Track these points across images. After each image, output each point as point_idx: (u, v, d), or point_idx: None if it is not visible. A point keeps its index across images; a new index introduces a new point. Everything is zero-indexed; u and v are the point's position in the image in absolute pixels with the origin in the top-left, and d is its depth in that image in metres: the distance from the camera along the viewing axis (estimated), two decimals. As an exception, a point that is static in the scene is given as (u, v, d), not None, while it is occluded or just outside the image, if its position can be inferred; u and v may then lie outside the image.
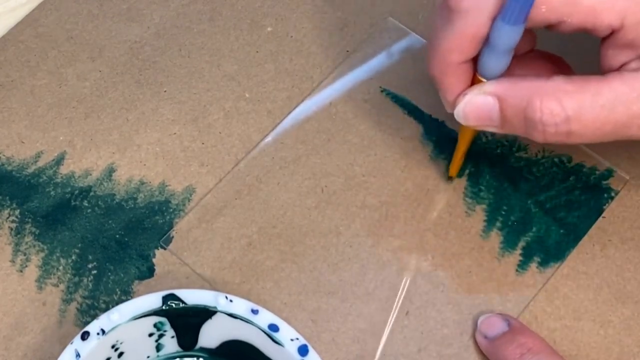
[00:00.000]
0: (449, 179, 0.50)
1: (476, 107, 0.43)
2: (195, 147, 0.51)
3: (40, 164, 0.50)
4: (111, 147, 0.51)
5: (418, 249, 0.48)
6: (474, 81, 0.43)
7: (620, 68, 0.41)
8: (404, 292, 0.47)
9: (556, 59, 0.45)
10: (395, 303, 0.47)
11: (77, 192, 0.50)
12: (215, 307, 0.42)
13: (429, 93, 0.52)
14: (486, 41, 0.41)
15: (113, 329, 0.41)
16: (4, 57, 0.53)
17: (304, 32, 0.54)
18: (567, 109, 0.40)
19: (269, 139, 0.51)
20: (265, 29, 0.54)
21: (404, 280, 0.47)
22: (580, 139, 0.41)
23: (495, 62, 0.42)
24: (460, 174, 0.50)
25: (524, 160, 0.50)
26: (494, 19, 0.40)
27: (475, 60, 0.43)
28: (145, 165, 0.50)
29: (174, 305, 0.42)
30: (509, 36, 0.41)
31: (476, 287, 0.47)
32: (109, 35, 0.54)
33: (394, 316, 0.46)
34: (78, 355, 0.40)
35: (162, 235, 0.48)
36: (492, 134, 0.51)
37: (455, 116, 0.44)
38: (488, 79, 0.43)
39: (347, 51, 0.54)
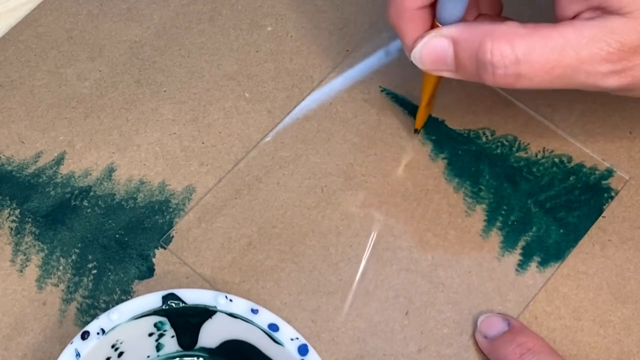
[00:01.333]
0: (415, 131, 0.50)
1: (431, 49, 0.44)
2: (195, 147, 0.51)
3: (40, 164, 0.50)
4: (111, 147, 0.51)
5: (418, 249, 0.48)
6: (433, 27, 0.44)
7: (573, 18, 0.42)
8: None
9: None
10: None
11: (77, 192, 0.50)
12: (215, 307, 0.42)
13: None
14: None
15: (113, 328, 0.41)
16: (4, 57, 0.53)
17: (304, 32, 0.54)
18: (517, 51, 0.41)
19: (268, 138, 0.51)
20: (265, 28, 0.54)
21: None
22: (530, 83, 0.42)
23: (452, 7, 0.43)
24: (425, 129, 0.51)
25: (524, 160, 0.50)
26: None
27: (433, 7, 0.44)
28: (145, 165, 0.50)
29: (174, 304, 0.42)
30: None
31: (476, 287, 0.47)
32: (109, 35, 0.54)
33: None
34: (78, 354, 0.40)
35: (162, 235, 0.48)
36: (492, 134, 0.51)
37: (412, 59, 0.45)
38: (445, 24, 0.44)
39: (347, 51, 0.54)
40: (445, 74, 0.44)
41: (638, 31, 0.40)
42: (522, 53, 0.41)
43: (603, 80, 0.41)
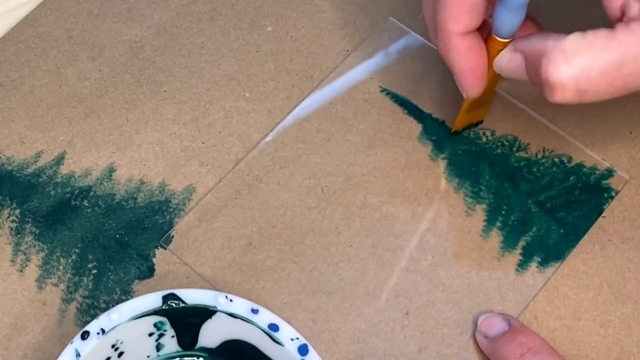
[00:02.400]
0: (453, 133, 0.50)
1: (508, 61, 0.43)
2: (195, 147, 0.51)
3: (40, 163, 0.50)
4: (111, 147, 0.51)
5: (418, 249, 0.48)
6: (490, 43, 0.44)
7: (623, 16, 0.40)
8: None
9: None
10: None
11: (77, 191, 0.50)
12: (215, 307, 0.42)
13: (428, 93, 0.52)
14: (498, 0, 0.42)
15: (113, 328, 0.41)
16: (4, 57, 0.53)
17: (304, 32, 0.54)
18: (574, 68, 0.40)
19: (269, 138, 0.51)
20: (265, 28, 0.54)
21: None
22: (594, 97, 0.41)
23: (509, 18, 0.42)
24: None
25: (524, 160, 0.50)
26: None
27: (481, 30, 0.44)
28: (145, 165, 0.50)
29: (174, 304, 0.42)
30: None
31: (476, 287, 0.47)
32: (109, 35, 0.54)
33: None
34: (78, 354, 0.40)
35: (162, 234, 0.48)
36: (492, 134, 0.51)
37: (494, 67, 0.44)
38: (503, 38, 0.43)
39: (347, 51, 0.54)
40: (527, 82, 0.44)
41: None
42: (579, 70, 0.40)
43: None
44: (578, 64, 0.40)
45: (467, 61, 0.44)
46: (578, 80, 0.40)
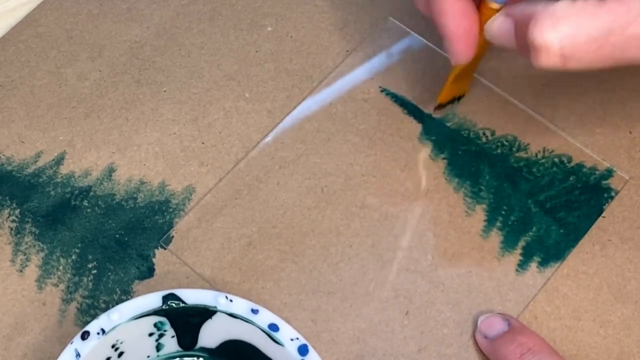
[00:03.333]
0: (438, 107, 0.50)
1: (499, 26, 0.43)
2: (195, 147, 0.51)
3: (40, 163, 0.50)
4: (111, 147, 0.51)
5: (418, 249, 0.48)
6: (483, 9, 0.44)
7: None
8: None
9: None
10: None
11: (77, 192, 0.50)
12: (215, 307, 0.42)
13: (428, 93, 0.52)
14: None
15: (113, 328, 0.41)
16: (4, 57, 0.53)
17: (304, 32, 0.54)
18: (561, 34, 0.40)
19: (268, 138, 0.51)
20: (265, 28, 0.54)
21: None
22: (579, 64, 0.40)
23: None
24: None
25: (524, 160, 0.50)
26: None
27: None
28: (145, 165, 0.50)
29: (174, 305, 0.42)
30: None
31: (476, 287, 0.47)
32: (109, 35, 0.54)
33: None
34: (78, 354, 0.40)
35: (162, 235, 0.48)
36: (492, 134, 0.51)
37: (485, 33, 0.44)
38: (497, 3, 0.43)
39: (347, 51, 0.54)
40: (514, 50, 0.44)
41: None
42: (566, 35, 0.40)
43: None
44: (565, 28, 0.40)
45: (459, 25, 0.44)
46: (563, 44, 0.40)
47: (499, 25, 0.44)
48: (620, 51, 0.40)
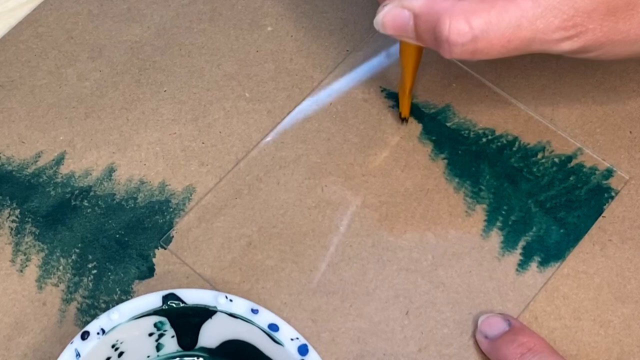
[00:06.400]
0: (403, 120, 0.51)
1: (393, 18, 0.44)
2: (195, 147, 0.51)
3: (40, 164, 0.50)
4: (111, 147, 0.51)
5: (418, 249, 0.48)
6: None
7: None
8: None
9: None
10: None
11: (77, 192, 0.50)
12: (215, 307, 0.42)
13: (428, 93, 0.52)
14: None
15: (113, 328, 0.41)
16: (4, 57, 0.53)
17: (304, 32, 0.54)
18: (475, 29, 0.41)
19: (269, 138, 0.51)
20: (265, 28, 0.54)
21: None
22: (486, 56, 0.42)
23: None
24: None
25: (524, 160, 0.50)
26: None
27: None
28: (145, 165, 0.50)
29: (174, 304, 0.42)
30: None
31: (476, 287, 0.47)
32: (109, 35, 0.54)
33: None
34: (78, 354, 0.40)
35: (162, 235, 0.48)
36: (492, 134, 0.51)
37: (375, 24, 0.45)
38: None
39: (347, 51, 0.54)
40: (407, 40, 0.45)
41: None
42: (479, 30, 0.41)
43: (556, 45, 0.42)
44: (478, 23, 0.41)
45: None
46: (477, 40, 0.41)
47: (393, 17, 0.44)
48: (526, 44, 0.42)
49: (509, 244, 0.48)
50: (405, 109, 0.51)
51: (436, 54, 0.43)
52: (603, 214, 0.49)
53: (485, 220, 0.49)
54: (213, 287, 0.47)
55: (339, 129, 0.51)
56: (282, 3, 0.55)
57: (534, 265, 0.48)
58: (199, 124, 0.51)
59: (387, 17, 0.44)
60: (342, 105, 0.52)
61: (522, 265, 0.48)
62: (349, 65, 0.53)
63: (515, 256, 0.48)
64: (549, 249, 0.48)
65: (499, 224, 0.49)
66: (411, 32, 0.44)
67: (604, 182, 0.50)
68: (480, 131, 0.51)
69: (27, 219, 0.49)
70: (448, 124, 0.51)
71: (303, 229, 0.49)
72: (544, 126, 0.51)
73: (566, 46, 0.42)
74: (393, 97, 0.52)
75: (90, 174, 0.50)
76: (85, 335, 0.41)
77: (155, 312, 0.42)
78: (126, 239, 0.48)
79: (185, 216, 0.49)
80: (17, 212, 0.49)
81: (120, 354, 0.42)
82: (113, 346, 0.42)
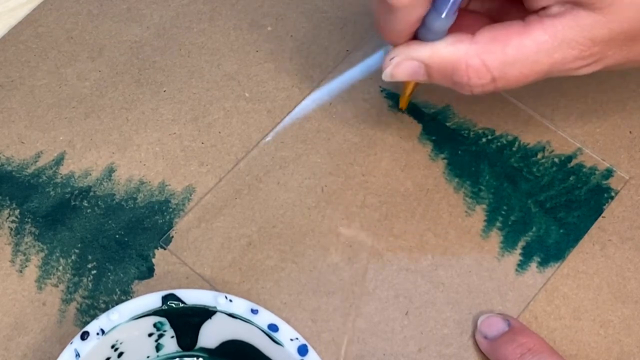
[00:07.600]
0: (400, 110, 0.51)
1: (403, 70, 0.44)
2: (195, 147, 0.51)
3: (40, 164, 0.50)
4: (111, 147, 0.51)
5: (418, 249, 0.48)
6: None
7: (540, 11, 0.41)
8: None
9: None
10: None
11: (77, 192, 0.50)
12: (215, 307, 0.42)
13: (428, 93, 0.52)
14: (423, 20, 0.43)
15: (113, 328, 0.41)
16: (4, 57, 0.53)
17: (304, 32, 0.54)
18: (493, 70, 0.42)
19: (268, 138, 0.51)
20: (265, 28, 0.54)
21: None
22: (506, 89, 0.43)
23: (430, 37, 0.43)
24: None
25: (524, 160, 0.50)
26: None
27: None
28: (145, 165, 0.50)
29: (173, 305, 0.42)
30: (442, 23, 0.42)
31: (476, 287, 0.47)
32: (109, 35, 0.54)
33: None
34: (78, 355, 0.40)
35: (162, 235, 0.48)
36: (492, 134, 0.51)
37: (384, 77, 0.45)
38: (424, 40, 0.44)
39: (347, 50, 0.54)
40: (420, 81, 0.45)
41: (609, 27, 0.40)
42: (497, 72, 0.42)
43: (575, 72, 0.42)
44: (496, 66, 0.41)
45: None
46: (496, 80, 0.42)
47: (404, 70, 0.44)
48: (544, 75, 0.42)
49: (508, 244, 0.48)
50: (403, 103, 0.51)
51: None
52: (603, 214, 0.49)
53: (485, 220, 0.49)
54: (213, 287, 0.47)
55: (339, 129, 0.51)
56: (282, 3, 0.55)
57: (533, 265, 0.48)
58: (198, 124, 0.51)
59: (397, 70, 0.45)
60: (342, 105, 0.52)
61: (522, 265, 0.48)
62: (349, 65, 0.53)
63: (515, 256, 0.48)
64: (548, 249, 0.48)
65: (498, 224, 0.49)
66: (424, 77, 0.44)
67: (604, 182, 0.50)
68: (480, 131, 0.51)
69: (26, 219, 0.49)
70: (448, 124, 0.51)
71: (303, 229, 0.49)
72: (544, 126, 0.51)
73: (585, 71, 0.42)
74: (393, 97, 0.52)
75: (90, 174, 0.50)
76: (84, 336, 0.41)
77: (155, 313, 0.42)
78: (126, 239, 0.48)
79: (185, 216, 0.49)
80: (16, 212, 0.49)
81: (120, 354, 0.42)
82: (113, 346, 0.42)
